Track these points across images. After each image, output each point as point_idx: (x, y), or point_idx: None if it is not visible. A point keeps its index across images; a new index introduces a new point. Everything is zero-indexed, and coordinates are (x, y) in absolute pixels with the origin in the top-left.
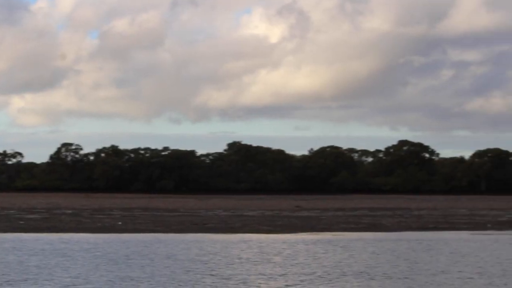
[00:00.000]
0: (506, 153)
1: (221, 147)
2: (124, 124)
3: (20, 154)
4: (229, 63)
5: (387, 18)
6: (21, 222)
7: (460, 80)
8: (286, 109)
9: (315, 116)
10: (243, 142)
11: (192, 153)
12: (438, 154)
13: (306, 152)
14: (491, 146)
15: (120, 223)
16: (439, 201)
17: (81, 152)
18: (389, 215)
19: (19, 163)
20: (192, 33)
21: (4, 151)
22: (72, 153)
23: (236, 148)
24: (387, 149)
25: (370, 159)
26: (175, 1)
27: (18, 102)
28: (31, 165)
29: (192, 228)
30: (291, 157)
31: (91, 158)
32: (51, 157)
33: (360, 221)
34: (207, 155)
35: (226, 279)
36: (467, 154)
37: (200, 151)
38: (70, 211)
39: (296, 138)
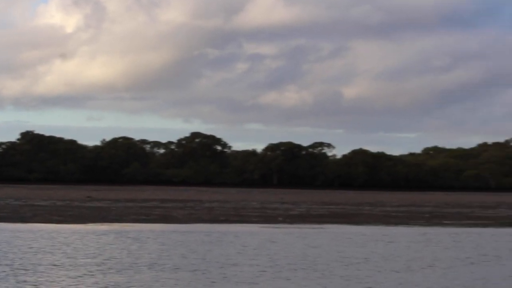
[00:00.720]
0: (298, 146)
1: (14, 136)
2: None
3: None
4: (24, 53)
5: (183, 11)
6: None
7: (254, 73)
8: (79, 99)
9: (108, 106)
10: (36, 132)
11: None
12: (230, 146)
13: (98, 143)
14: (284, 140)
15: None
16: (231, 193)
17: None
18: (180, 207)
19: None
20: None
21: None
22: None
23: (29, 138)
24: (179, 141)
25: (162, 151)
26: None
27: None
28: None
29: None
30: (83, 148)
31: None
32: None
33: (151, 213)
34: (0, 144)
35: (16, 268)
36: (259, 147)
37: None
38: None
39: (89, 128)
